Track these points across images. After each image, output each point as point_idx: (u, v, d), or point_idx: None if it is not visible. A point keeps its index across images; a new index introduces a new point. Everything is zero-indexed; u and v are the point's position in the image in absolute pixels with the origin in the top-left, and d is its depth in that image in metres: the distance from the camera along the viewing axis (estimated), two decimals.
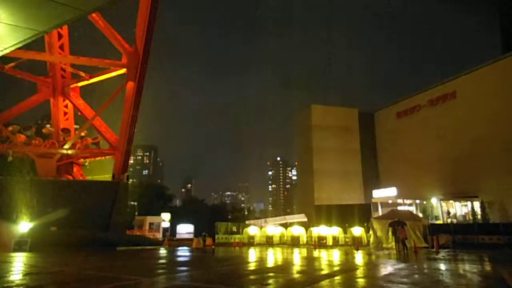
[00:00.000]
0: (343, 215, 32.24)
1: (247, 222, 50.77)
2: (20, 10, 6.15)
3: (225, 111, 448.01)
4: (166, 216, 43.97)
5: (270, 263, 14.15)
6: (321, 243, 27.83)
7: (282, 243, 31.13)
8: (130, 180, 32.94)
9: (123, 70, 27.32)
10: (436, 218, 36.39)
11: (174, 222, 45.48)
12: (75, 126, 32.06)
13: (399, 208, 34.37)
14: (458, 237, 23.33)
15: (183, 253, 21.76)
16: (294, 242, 30.18)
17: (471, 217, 34.33)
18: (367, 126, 53.08)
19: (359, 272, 11.17)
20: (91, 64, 27.74)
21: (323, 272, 11.02)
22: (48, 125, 35.44)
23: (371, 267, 12.91)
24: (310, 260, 15.51)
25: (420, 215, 33.94)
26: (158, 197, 63.81)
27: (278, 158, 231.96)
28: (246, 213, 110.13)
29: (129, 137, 28.29)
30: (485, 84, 36.69)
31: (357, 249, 22.16)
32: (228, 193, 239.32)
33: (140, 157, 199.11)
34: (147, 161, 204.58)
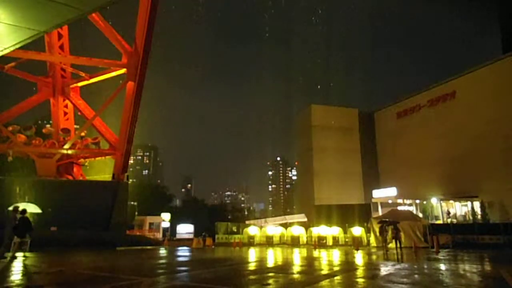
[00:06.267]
0: (343, 215, 32.27)
1: (247, 222, 50.82)
2: (20, 10, 6.15)
3: (225, 111, 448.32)
4: (166, 216, 44.02)
5: (270, 263, 14.15)
6: (321, 243, 27.83)
7: (282, 243, 31.14)
8: (130, 180, 32.90)
9: (123, 70, 27.30)
10: (436, 218, 36.38)
11: (174, 222, 45.54)
12: (75, 126, 32.03)
13: (399, 208, 34.36)
14: (458, 237, 23.33)
15: (183, 253, 21.76)
16: (294, 242, 30.19)
17: (471, 217, 34.35)
18: (367, 126, 53.13)
19: (359, 272, 11.17)
20: (91, 64, 27.72)
21: (323, 272, 11.02)
22: (48, 125, 35.42)
23: (371, 267, 12.91)
24: (310, 260, 15.51)
25: (420, 215, 33.95)
26: (158, 197, 63.88)
27: (278, 158, 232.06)
28: (246, 213, 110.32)
29: (129, 137, 28.27)
30: (485, 84, 36.72)
31: (357, 249, 22.16)
32: (228, 193, 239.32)
33: (140, 157, 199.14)
34: (147, 161, 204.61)
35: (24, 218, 14.48)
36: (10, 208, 16.39)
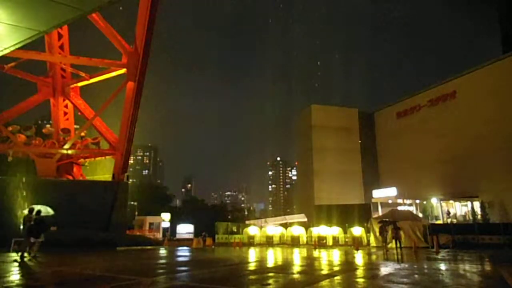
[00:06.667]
0: (343, 215, 32.27)
1: (247, 222, 50.84)
2: (20, 10, 6.15)
3: (225, 111, 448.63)
4: (166, 216, 44.00)
5: (270, 263, 14.15)
6: (321, 243, 27.83)
7: (282, 243, 31.14)
8: (130, 180, 32.89)
9: (123, 70, 27.28)
10: (436, 218, 36.44)
11: (174, 222, 45.50)
12: (75, 126, 32.02)
13: (399, 208, 34.38)
14: (458, 237, 23.33)
15: (183, 253, 21.76)
16: (294, 242, 30.19)
17: (471, 217, 34.37)
18: (367, 126, 53.18)
19: (359, 272, 11.17)
20: (91, 64, 27.70)
21: (323, 272, 11.02)
22: (48, 125, 35.41)
23: (371, 267, 12.91)
24: (310, 260, 15.51)
25: (420, 215, 33.98)
26: (158, 197, 63.85)
27: (278, 158, 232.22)
28: (246, 213, 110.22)
29: (129, 137, 28.25)
30: (485, 84, 36.75)
31: (357, 249, 22.16)
32: (228, 193, 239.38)
33: (140, 157, 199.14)
34: (147, 161, 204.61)
35: (39, 219, 14.90)
36: (25, 211, 17.01)
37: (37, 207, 16.93)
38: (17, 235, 19.13)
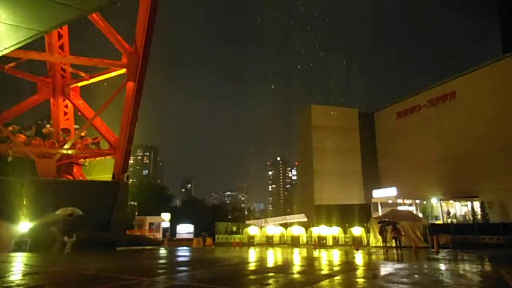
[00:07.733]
0: (343, 215, 32.29)
1: (247, 222, 50.87)
2: (20, 10, 6.15)
3: (225, 111, 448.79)
4: (166, 216, 44.08)
5: (270, 263, 14.15)
6: (321, 243, 27.84)
7: (282, 243, 31.15)
8: (130, 180, 32.87)
9: (123, 70, 27.27)
10: (436, 218, 36.44)
11: (174, 222, 45.59)
12: (75, 126, 31.99)
13: (399, 208, 34.38)
14: (458, 237, 23.33)
15: (183, 253, 21.76)
16: (294, 242, 30.20)
17: (471, 217, 34.37)
18: (367, 126, 53.18)
19: (359, 272, 11.17)
20: (91, 64, 27.67)
21: (323, 272, 11.01)
22: (48, 125, 35.38)
23: (371, 267, 12.91)
24: (310, 260, 15.51)
25: (420, 215, 33.98)
26: (158, 197, 63.91)
27: (278, 158, 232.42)
28: (246, 213, 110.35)
29: (129, 137, 28.23)
30: (485, 84, 36.74)
31: (357, 249, 22.16)
32: (228, 193, 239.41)
33: (140, 157, 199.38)
34: (147, 161, 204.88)
35: (72, 220, 16.38)
36: (58, 212, 17.93)
37: (69, 209, 17.96)
38: (17, 236, 19.16)
